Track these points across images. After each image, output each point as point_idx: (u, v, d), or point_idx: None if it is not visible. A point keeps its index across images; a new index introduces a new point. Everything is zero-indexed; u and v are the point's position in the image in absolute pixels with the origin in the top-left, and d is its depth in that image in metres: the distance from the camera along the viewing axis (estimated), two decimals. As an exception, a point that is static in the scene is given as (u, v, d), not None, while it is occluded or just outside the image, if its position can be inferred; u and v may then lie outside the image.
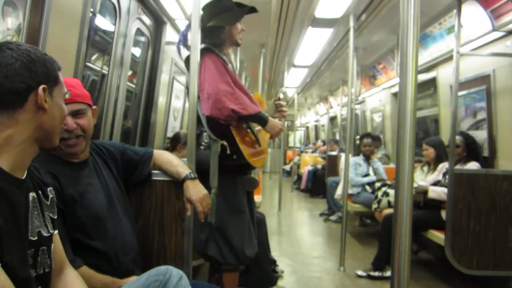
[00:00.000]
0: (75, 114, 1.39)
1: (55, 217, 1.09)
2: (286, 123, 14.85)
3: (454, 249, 2.95)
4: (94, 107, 1.47)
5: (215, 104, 1.98)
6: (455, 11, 3.02)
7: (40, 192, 1.03)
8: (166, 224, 1.74)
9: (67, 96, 1.17)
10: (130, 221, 1.56)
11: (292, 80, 8.46)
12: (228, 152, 2.05)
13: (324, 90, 9.71)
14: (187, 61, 2.07)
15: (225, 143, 2.04)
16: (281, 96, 2.55)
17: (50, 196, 1.09)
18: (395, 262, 1.15)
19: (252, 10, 2.23)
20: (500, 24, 3.07)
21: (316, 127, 14.62)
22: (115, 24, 2.44)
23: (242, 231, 2.13)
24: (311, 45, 5.47)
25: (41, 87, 0.94)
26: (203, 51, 2.09)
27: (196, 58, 1.78)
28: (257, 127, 2.21)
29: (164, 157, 1.75)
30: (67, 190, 1.33)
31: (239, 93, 2.08)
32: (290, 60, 6.58)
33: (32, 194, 0.98)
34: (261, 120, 2.15)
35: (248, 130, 2.18)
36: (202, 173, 2.01)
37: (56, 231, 1.09)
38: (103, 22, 2.46)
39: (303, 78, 8.31)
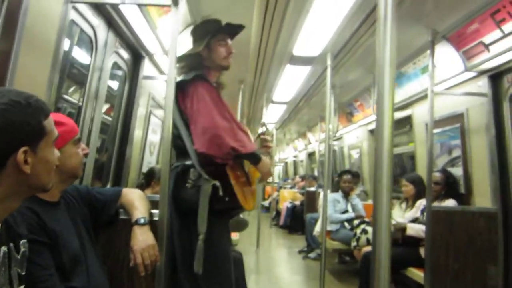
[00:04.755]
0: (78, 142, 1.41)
1: (24, 272, 1.01)
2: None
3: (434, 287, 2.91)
4: None
5: (213, 140, 1.81)
6: (428, 51, 3.12)
7: (12, 245, 0.96)
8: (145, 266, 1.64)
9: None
10: (100, 264, 1.49)
11: (271, 116, 8.51)
12: (221, 194, 1.83)
13: (302, 126, 9.79)
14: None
15: (218, 184, 1.83)
16: (264, 129, 2.46)
17: (22, 249, 1.01)
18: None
19: (231, 28, 2.11)
20: (472, 65, 3.16)
21: (294, 162, 14.66)
22: (91, 57, 2.41)
23: (228, 281, 1.96)
24: (290, 82, 5.54)
25: (20, 151, 0.88)
26: (195, 79, 1.94)
27: (171, 92, 1.74)
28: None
29: (128, 196, 1.65)
30: (50, 225, 1.26)
31: (237, 129, 1.93)
32: (269, 97, 6.64)
33: (3, 249, 0.91)
34: (256, 159, 1.97)
35: (242, 169, 2.03)
36: (187, 214, 1.89)
37: (22, 287, 1.01)
38: (81, 55, 2.43)
39: (282, 114, 8.37)
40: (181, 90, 1.94)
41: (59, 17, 1.78)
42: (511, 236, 2.96)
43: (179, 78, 1.97)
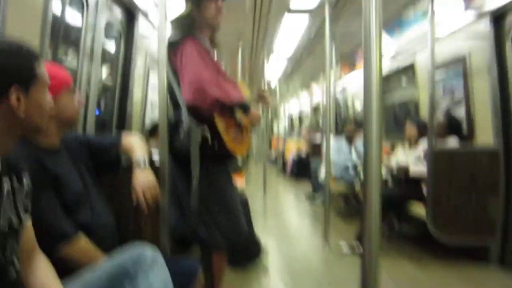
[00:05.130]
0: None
1: (29, 203, 1.06)
2: (270, 112, 14.87)
3: (436, 222, 3.03)
4: None
5: (198, 92, 1.89)
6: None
7: (15, 178, 1.01)
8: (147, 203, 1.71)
9: None
10: (105, 205, 1.56)
11: (273, 70, 8.44)
12: (210, 141, 1.97)
13: (306, 79, 9.71)
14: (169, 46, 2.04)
15: (206, 132, 1.97)
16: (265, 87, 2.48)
17: (25, 181, 1.06)
18: (365, 239, 1.13)
19: None
20: (473, 6, 3.09)
21: (300, 115, 14.63)
22: (82, 17, 2.38)
23: (232, 219, 2.09)
24: (289, 34, 5.46)
25: (12, 90, 0.92)
26: (184, 38, 2.01)
27: (163, 49, 1.76)
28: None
29: (127, 140, 1.70)
30: (51, 168, 1.32)
31: (222, 81, 2.02)
32: (269, 50, 6.56)
33: (5, 181, 0.96)
34: (244, 108, 2.08)
35: (232, 117, 2.10)
36: (181, 161, 2.00)
37: (29, 219, 1.07)
38: (75, 17, 2.41)
39: (284, 68, 8.29)
40: (173, 49, 2.00)
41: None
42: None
43: (171, 39, 2.02)
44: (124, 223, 1.71)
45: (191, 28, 2.10)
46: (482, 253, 3.10)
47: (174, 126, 2.01)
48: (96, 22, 2.51)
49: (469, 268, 3.02)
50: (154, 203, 1.54)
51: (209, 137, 1.96)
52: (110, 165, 1.69)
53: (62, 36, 2.26)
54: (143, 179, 1.53)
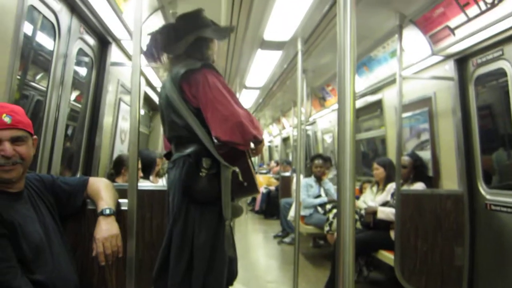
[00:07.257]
0: (15, 140, 1.31)
1: None
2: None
3: (403, 269, 2.99)
4: (34, 136, 1.42)
5: (236, 128, 1.81)
6: (397, 35, 3.14)
7: None
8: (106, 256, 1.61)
9: (7, 121, 1.20)
10: (67, 255, 1.47)
11: (245, 102, 8.48)
12: (240, 179, 1.88)
13: (276, 111, 9.80)
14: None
15: (237, 170, 1.88)
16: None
17: None
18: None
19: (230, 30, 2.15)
20: (438, 49, 3.21)
21: (269, 148, 14.72)
22: (54, 43, 2.32)
23: (219, 272, 1.89)
24: (262, 66, 5.50)
25: None
26: (202, 67, 1.90)
27: (136, 79, 1.70)
28: None
29: (94, 186, 1.62)
30: (7, 216, 1.23)
31: (252, 115, 1.95)
32: (242, 82, 6.59)
33: None
34: (261, 141, 2.06)
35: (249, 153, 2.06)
36: (203, 203, 1.87)
37: None
38: (46, 41, 2.34)
39: (255, 99, 8.35)
40: (186, 79, 1.90)
41: (17, 2, 1.71)
42: (476, 217, 3.05)
43: (182, 70, 1.90)
44: (88, 275, 1.61)
45: (206, 58, 2.05)
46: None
47: (192, 165, 1.88)
48: (67, 49, 2.45)
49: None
50: (114, 255, 1.48)
51: (240, 174, 1.88)
52: (76, 211, 1.61)
53: (32, 60, 2.19)
54: (105, 230, 1.47)
